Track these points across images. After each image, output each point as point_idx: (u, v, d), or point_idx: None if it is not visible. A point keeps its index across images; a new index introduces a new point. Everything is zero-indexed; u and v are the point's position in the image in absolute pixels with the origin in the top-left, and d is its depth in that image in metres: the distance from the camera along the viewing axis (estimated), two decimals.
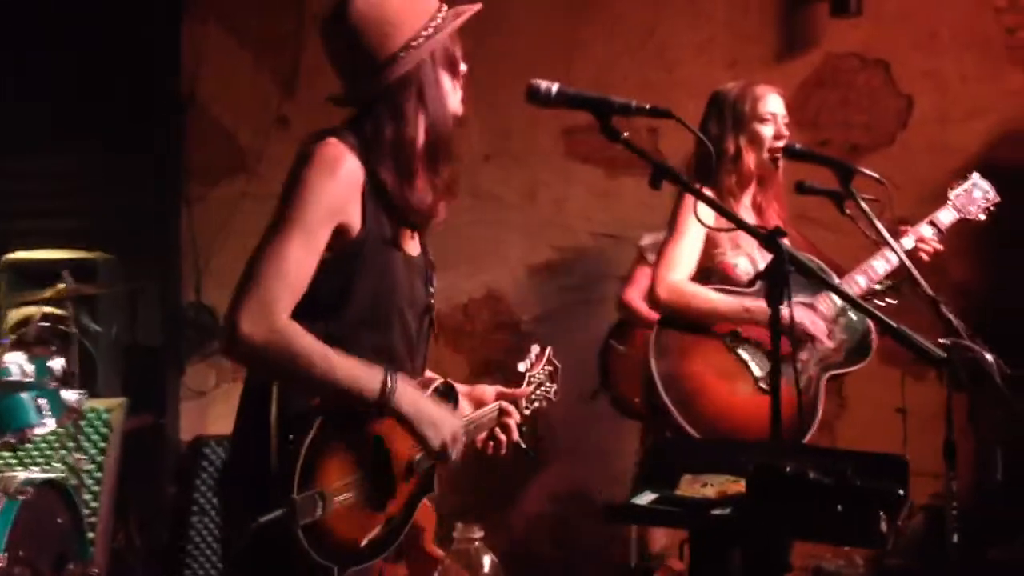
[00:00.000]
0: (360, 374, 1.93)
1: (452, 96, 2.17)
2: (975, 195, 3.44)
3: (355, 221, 1.99)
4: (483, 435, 2.28)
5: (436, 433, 2.01)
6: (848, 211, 3.10)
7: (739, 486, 1.78)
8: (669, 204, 4.94)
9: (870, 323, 3.07)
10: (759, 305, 2.96)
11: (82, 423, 3.95)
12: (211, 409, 5.24)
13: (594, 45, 5.07)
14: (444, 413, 2.06)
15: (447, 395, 2.19)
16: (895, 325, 1.87)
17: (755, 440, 2.35)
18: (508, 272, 5.12)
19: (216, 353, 5.17)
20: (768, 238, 1.68)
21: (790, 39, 4.95)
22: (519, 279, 5.12)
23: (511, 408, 2.32)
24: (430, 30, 2.07)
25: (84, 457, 3.78)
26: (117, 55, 4.97)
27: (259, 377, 2.00)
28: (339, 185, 1.96)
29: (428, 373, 2.30)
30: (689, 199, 3.10)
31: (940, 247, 3.27)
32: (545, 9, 5.10)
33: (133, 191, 5.01)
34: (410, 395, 1.99)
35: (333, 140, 2.00)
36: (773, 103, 3.28)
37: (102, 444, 4.27)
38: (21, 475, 3.24)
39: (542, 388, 2.41)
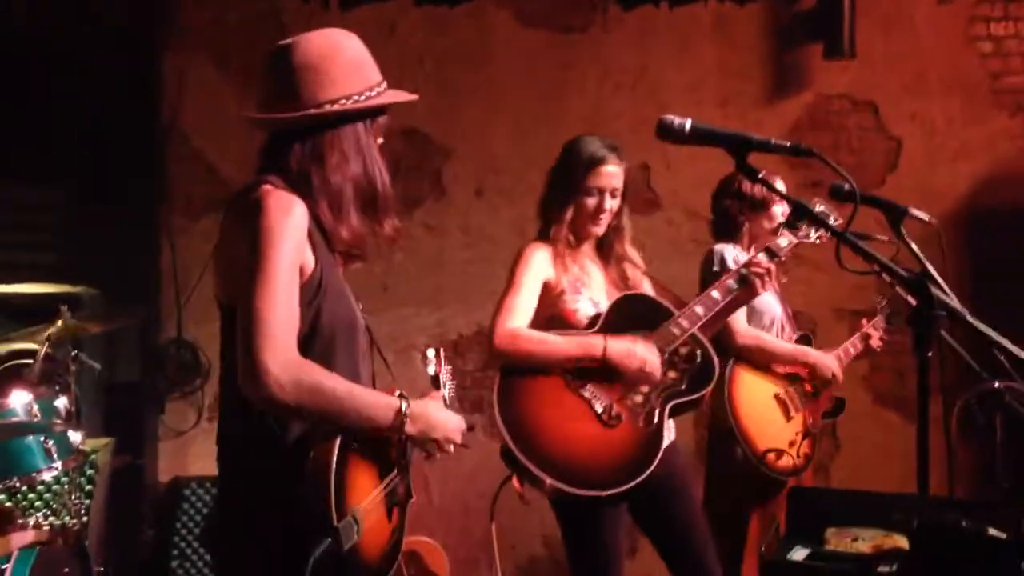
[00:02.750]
0: (377, 406, 2.06)
1: (379, 160, 2.21)
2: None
3: (310, 258, 2.07)
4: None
5: (445, 436, 2.18)
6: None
7: (893, 540, 1.75)
8: (660, 243, 5.03)
9: (712, 353, 3.12)
10: (590, 340, 3.03)
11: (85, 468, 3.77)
12: (190, 448, 5.07)
13: (586, 84, 5.07)
14: (447, 412, 2.23)
15: None
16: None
17: (902, 493, 2.33)
18: None
19: (196, 391, 5.01)
20: (916, 282, 1.65)
21: (781, 80, 5.01)
22: None
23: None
24: (364, 96, 2.15)
25: (86, 502, 3.60)
26: (98, 85, 4.81)
27: (241, 422, 2.06)
28: (296, 226, 2.03)
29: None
30: (527, 253, 3.18)
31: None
32: (535, 47, 5.09)
33: (112, 225, 4.84)
34: (422, 410, 2.13)
35: (270, 188, 2.06)
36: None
37: (88, 487, 4.08)
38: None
39: (447, 386, 2.51)
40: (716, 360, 3.10)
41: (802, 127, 4.93)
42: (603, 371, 3.03)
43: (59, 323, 3.58)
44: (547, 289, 3.17)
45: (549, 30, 5.06)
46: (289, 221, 2.00)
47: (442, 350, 2.57)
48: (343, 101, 2.11)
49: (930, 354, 1.62)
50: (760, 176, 1.86)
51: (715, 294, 3.13)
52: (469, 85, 5.08)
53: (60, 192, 4.79)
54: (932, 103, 4.93)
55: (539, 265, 3.16)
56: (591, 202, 3.20)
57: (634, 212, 5.15)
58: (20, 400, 3.22)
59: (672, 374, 3.09)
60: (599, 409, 3.03)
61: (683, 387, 3.09)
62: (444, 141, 5.12)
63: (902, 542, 1.75)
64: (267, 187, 2.05)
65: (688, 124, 1.91)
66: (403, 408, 2.06)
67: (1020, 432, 2.88)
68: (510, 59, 5.08)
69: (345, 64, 2.14)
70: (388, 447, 2.18)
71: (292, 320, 1.98)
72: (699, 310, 3.12)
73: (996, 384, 2.56)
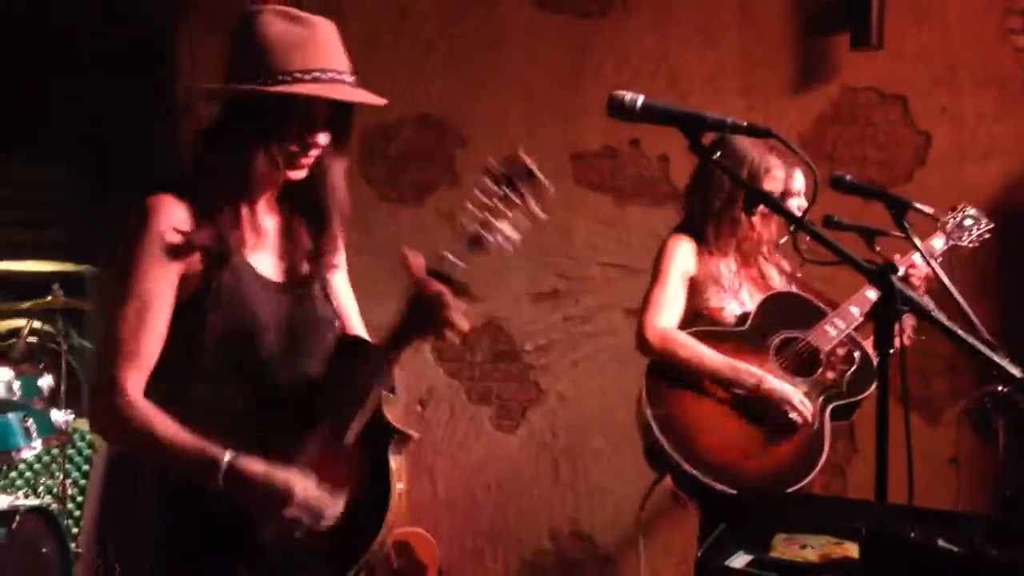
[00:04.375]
0: (194, 456, 1.86)
1: (283, 154, 1.97)
2: (966, 223, 3.40)
3: (193, 275, 1.97)
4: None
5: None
6: (878, 248, 3.02)
7: (843, 549, 1.64)
8: None
9: (871, 353, 3.01)
10: (747, 368, 2.97)
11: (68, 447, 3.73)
12: None
13: (604, 70, 4.95)
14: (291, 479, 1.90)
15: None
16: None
17: (857, 500, 2.23)
18: (511, 301, 4.96)
19: None
20: (879, 275, 1.54)
21: (806, 70, 4.85)
22: (522, 308, 4.96)
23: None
24: (297, 76, 1.90)
25: (69, 481, 3.56)
26: (112, 63, 4.78)
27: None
28: (159, 245, 1.93)
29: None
30: (672, 245, 3.14)
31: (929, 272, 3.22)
32: (552, 33, 4.97)
33: (124, 204, 4.80)
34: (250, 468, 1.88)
35: (152, 198, 1.97)
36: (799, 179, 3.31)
37: (85, 467, 4.05)
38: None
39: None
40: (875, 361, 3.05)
41: (826, 119, 4.77)
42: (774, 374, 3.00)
43: (47, 299, 3.54)
44: (692, 284, 3.15)
45: (566, 14, 4.95)
46: (148, 231, 1.89)
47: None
48: (253, 79, 1.90)
49: (891, 350, 1.49)
50: (715, 157, 1.74)
51: (869, 294, 3.06)
52: (484, 70, 4.98)
53: (67, 170, 4.77)
54: (963, 97, 4.74)
55: (684, 258, 3.13)
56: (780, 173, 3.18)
57: (652, 204, 5.11)
58: (1, 377, 3.18)
59: (831, 375, 3.05)
60: (752, 415, 3.00)
61: (843, 389, 3.05)
62: (458, 128, 5.03)
63: (853, 551, 1.63)
64: (152, 195, 1.95)
65: (640, 101, 1.82)
66: (222, 465, 1.82)
67: None
68: (526, 44, 4.97)
69: (260, 41, 1.93)
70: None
71: (139, 349, 1.85)
72: (854, 310, 3.07)
73: (1000, 388, 2.41)
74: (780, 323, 3.11)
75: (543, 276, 4.95)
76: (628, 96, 1.81)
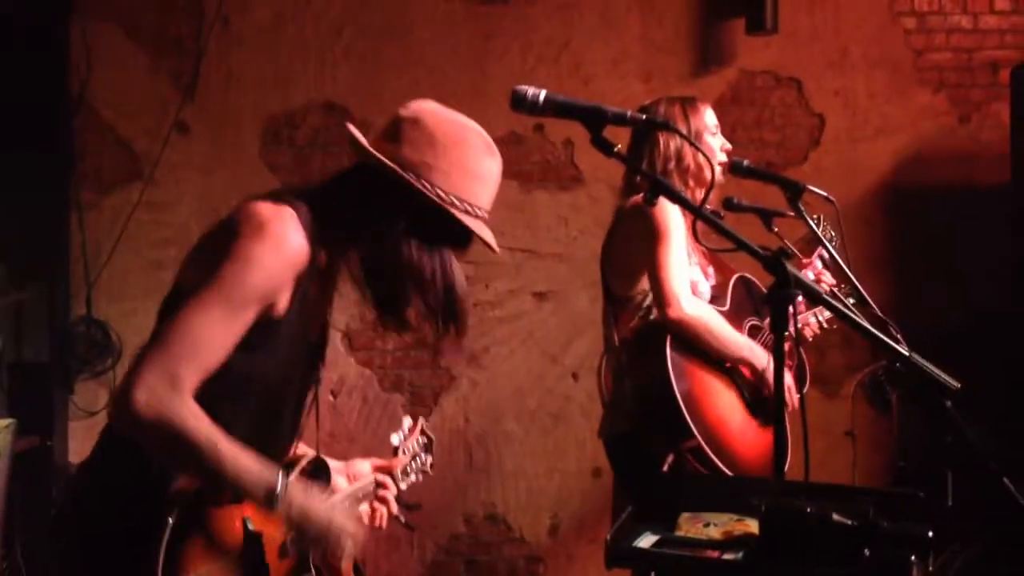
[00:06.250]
0: (247, 475, 1.82)
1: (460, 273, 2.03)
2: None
3: (283, 303, 1.87)
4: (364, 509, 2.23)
5: (320, 536, 1.92)
6: (775, 228, 3.10)
7: (745, 526, 1.70)
8: (584, 218, 4.96)
9: (803, 354, 3.14)
10: (758, 353, 3.01)
11: None
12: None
13: (508, 57, 4.98)
14: (329, 512, 1.94)
15: (317, 474, 2.09)
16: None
17: (756, 477, 2.29)
18: None
19: (108, 371, 4.88)
20: (773, 260, 1.59)
21: (705, 55, 4.95)
22: None
23: (387, 480, 2.26)
24: (464, 206, 1.98)
25: None
26: (3, 52, 4.63)
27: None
28: (280, 266, 1.82)
29: (301, 447, 2.21)
30: (666, 208, 3.03)
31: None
32: (456, 19, 4.98)
33: (20, 197, 4.68)
34: (297, 500, 1.88)
35: (286, 212, 1.86)
36: (713, 115, 3.24)
37: None
38: None
39: (417, 460, 2.37)
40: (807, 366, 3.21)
41: (725, 103, 4.87)
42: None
43: None
44: None
45: (471, 1, 4.96)
46: (274, 255, 1.80)
47: (422, 421, 2.43)
48: (442, 193, 1.94)
49: (787, 333, 1.55)
50: (615, 150, 1.79)
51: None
52: (389, 57, 4.97)
53: None
54: (856, 79, 4.90)
55: (680, 221, 2.99)
56: (716, 141, 3.19)
57: (558, 188, 5.16)
58: None
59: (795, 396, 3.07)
60: (748, 398, 3.03)
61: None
62: (365, 114, 5.00)
63: (754, 527, 1.70)
64: (280, 208, 1.85)
65: (542, 95, 1.84)
66: (277, 488, 1.82)
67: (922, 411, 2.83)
68: (431, 30, 4.97)
69: (466, 164, 1.99)
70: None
71: (205, 360, 1.77)
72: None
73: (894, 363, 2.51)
74: (744, 309, 3.12)
75: None
76: (531, 90, 1.84)
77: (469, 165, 1.99)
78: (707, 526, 1.71)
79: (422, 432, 2.40)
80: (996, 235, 4.49)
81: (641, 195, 2.99)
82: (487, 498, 4.95)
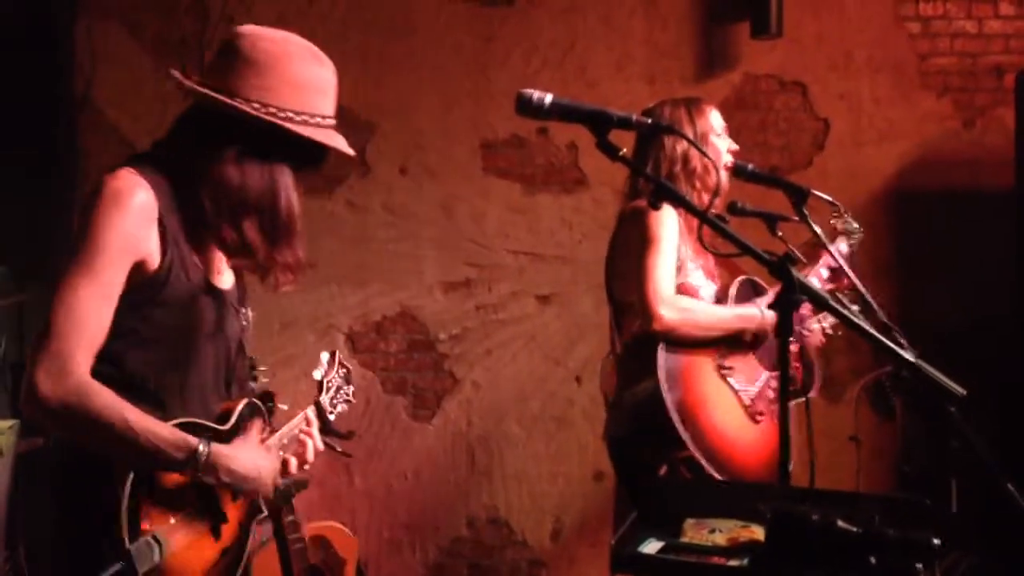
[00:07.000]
0: (163, 443, 1.88)
1: (289, 189, 2.06)
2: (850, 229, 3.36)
3: (154, 256, 1.94)
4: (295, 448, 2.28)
5: (255, 487, 2.03)
6: (780, 233, 3.09)
7: (750, 532, 1.69)
8: (588, 221, 4.95)
9: (814, 358, 3.10)
10: (748, 316, 2.96)
11: None
12: None
13: (512, 60, 4.97)
14: (256, 461, 2.03)
15: (253, 415, 2.15)
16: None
17: (762, 483, 2.28)
18: (424, 290, 4.97)
19: None
20: (778, 265, 1.59)
21: (709, 58, 4.94)
22: (435, 298, 4.97)
23: (312, 416, 2.32)
24: (300, 118, 2.00)
25: None
26: (7, 52, 4.64)
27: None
28: (129, 220, 1.88)
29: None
30: (662, 212, 2.99)
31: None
32: (460, 22, 4.98)
33: (21, 197, 4.69)
34: (223, 461, 1.95)
35: (124, 172, 1.93)
36: (719, 116, 3.22)
37: None
38: None
39: (341, 391, 2.45)
40: (818, 369, 3.13)
41: (729, 106, 4.86)
42: (748, 365, 3.00)
43: None
44: (677, 257, 3.02)
45: (474, 3, 4.95)
46: (117, 214, 1.86)
47: (338, 354, 2.50)
48: (272, 109, 1.98)
49: (791, 337, 1.55)
50: (621, 154, 1.78)
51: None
52: (393, 58, 4.97)
53: None
54: (860, 83, 4.89)
55: (674, 226, 2.98)
56: (723, 143, 3.17)
57: (562, 191, 5.15)
58: None
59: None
60: (747, 402, 2.98)
61: (799, 386, 3.07)
62: (368, 116, 5.01)
63: (759, 534, 1.69)
64: (120, 172, 1.92)
65: (548, 99, 1.84)
66: (198, 451, 1.89)
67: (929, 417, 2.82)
68: (435, 33, 4.97)
69: (291, 76, 2.02)
70: None
71: (90, 332, 1.83)
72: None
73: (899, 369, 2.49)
74: None
75: (455, 265, 4.97)
76: (536, 94, 1.84)
77: (296, 77, 2.02)
78: (712, 532, 1.70)
79: (341, 364, 2.47)
80: (1000, 239, 4.48)
81: (643, 199, 3.02)
82: (489, 501, 4.94)
